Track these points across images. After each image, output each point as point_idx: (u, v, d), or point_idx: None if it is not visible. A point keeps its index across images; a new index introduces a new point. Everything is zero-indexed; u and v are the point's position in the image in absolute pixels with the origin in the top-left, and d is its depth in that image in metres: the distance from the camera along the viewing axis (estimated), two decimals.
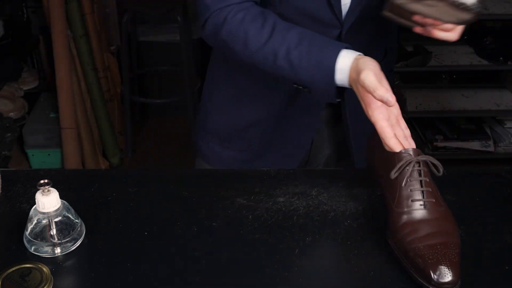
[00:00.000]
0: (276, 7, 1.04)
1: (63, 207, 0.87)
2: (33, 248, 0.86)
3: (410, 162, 0.88)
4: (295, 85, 1.01)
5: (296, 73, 0.98)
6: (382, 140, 0.91)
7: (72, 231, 0.87)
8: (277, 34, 0.98)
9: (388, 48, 1.21)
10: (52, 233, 0.85)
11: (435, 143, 2.82)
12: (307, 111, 1.16)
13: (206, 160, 1.29)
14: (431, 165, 0.89)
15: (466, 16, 0.90)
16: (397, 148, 0.90)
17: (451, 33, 0.95)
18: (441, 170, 0.89)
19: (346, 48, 0.96)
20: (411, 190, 0.87)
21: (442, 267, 0.79)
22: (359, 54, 0.95)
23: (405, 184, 0.88)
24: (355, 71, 0.92)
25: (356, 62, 0.93)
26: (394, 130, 0.91)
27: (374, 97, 0.89)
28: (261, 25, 0.99)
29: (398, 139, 0.91)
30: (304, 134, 1.19)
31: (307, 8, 1.04)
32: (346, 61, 0.94)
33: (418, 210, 0.86)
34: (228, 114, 1.22)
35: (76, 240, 0.88)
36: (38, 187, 0.84)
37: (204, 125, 1.27)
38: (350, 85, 0.95)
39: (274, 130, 1.19)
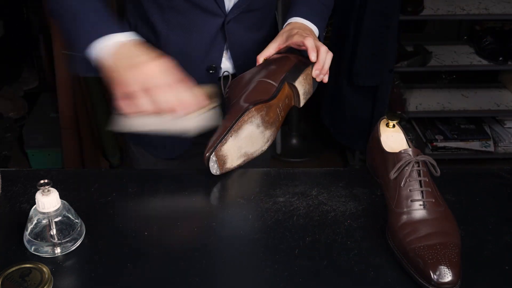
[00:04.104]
0: None
1: (63, 207, 0.87)
2: (33, 248, 0.86)
3: (409, 162, 0.88)
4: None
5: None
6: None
7: (72, 231, 0.87)
8: None
9: (268, 33, 1.27)
10: (52, 233, 0.85)
11: (435, 143, 2.82)
12: None
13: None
14: (430, 165, 0.89)
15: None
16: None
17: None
18: (438, 170, 0.90)
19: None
20: (410, 190, 0.87)
21: (442, 267, 0.79)
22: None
23: (404, 184, 0.88)
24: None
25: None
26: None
27: None
28: None
29: None
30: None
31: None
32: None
33: (418, 210, 0.86)
34: None
35: (76, 240, 0.88)
36: (38, 187, 0.84)
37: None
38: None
39: None
